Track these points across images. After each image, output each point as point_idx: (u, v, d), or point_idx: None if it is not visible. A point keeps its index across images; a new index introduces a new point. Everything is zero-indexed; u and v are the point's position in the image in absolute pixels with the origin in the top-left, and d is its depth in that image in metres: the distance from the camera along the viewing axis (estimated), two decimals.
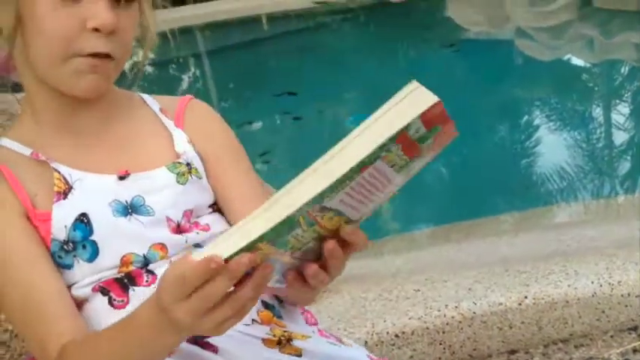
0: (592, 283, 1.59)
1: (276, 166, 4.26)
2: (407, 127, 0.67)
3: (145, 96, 1.13)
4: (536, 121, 4.75)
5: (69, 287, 0.95)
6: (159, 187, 1.00)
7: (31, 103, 1.02)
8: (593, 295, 1.58)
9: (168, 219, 0.97)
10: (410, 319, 1.58)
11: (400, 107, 0.68)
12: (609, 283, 1.59)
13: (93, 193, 0.98)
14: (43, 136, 1.01)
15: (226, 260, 0.68)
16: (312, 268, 0.78)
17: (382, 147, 0.67)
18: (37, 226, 0.96)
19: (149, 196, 0.99)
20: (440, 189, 3.63)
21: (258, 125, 5.41)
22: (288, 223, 0.67)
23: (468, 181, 3.58)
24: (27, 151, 1.00)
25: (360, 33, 9.72)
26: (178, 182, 1.01)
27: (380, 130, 0.67)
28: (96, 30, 0.94)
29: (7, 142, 1.02)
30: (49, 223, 0.95)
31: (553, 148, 4.07)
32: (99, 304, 0.94)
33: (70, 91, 0.98)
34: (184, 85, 7.85)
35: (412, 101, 0.68)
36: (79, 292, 0.95)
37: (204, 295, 0.71)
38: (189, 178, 1.02)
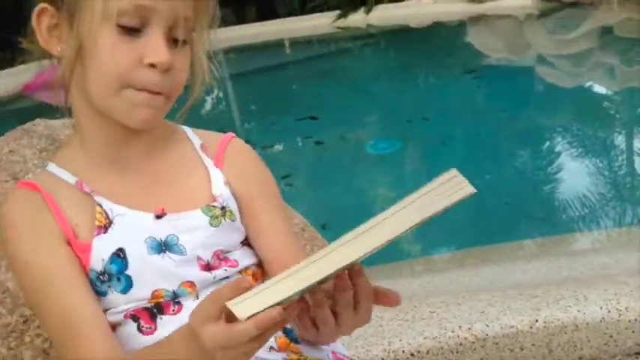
0: (601, 308, 1.65)
1: (297, 188, 4.34)
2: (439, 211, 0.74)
3: (188, 130, 1.16)
4: (556, 149, 4.79)
5: (103, 311, 1.00)
6: (192, 228, 1.03)
7: (81, 132, 1.06)
8: (601, 320, 1.64)
9: (199, 258, 1.02)
10: (425, 338, 1.65)
11: (436, 194, 0.73)
12: (617, 309, 1.65)
13: (131, 229, 1.02)
14: (89, 166, 1.06)
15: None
16: (321, 312, 0.86)
17: (411, 228, 0.73)
18: (77, 255, 1.01)
19: (183, 235, 1.03)
20: (458, 214, 3.68)
21: (279, 148, 5.50)
22: (315, 284, 0.75)
23: (485, 207, 3.63)
24: (72, 180, 1.05)
25: (381, 58, 9.83)
26: (211, 225, 1.04)
27: (412, 216, 0.73)
28: (152, 66, 0.97)
29: (53, 168, 1.07)
30: (89, 254, 1.00)
31: (572, 175, 4.11)
32: (129, 329, 1.00)
33: (123, 121, 1.01)
34: (208, 107, 7.98)
35: (449, 190, 0.74)
36: (112, 317, 1.00)
37: (230, 334, 0.78)
38: (223, 221, 1.06)
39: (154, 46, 0.97)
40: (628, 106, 5.51)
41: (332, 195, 3.96)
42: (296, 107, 6.32)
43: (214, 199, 1.07)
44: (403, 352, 1.63)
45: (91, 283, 1.01)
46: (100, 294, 1.00)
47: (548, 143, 4.97)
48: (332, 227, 2.93)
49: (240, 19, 14.42)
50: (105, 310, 1.00)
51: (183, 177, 1.09)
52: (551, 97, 6.06)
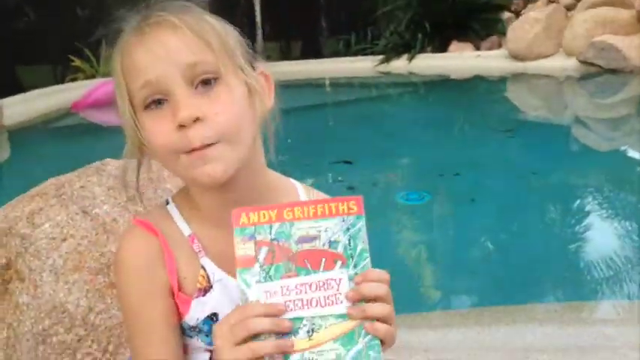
0: None
1: None
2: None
3: (300, 187, 1.20)
4: (583, 214, 4.82)
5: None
6: None
7: (191, 198, 1.13)
8: None
9: None
10: None
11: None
12: None
13: (227, 296, 1.09)
14: (201, 221, 1.12)
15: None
16: None
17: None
18: (177, 304, 1.10)
19: None
20: (478, 272, 3.80)
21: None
22: None
23: (506, 267, 3.74)
24: (187, 232, 1.12)
25: (419, 107, 9.91)
26: None
27: None
28: (183, 126, 1.00)
29: (173, 210, 1.14)
30: (187, 307, 1.09)
31: (596, 243, 4.15)
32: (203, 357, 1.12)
33: (194, 183, 1.07)
34: None
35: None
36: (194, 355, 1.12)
37: (243, 322, 0.90)
38: None
39: (175, 107, 1.01)
40: None
41: None
42: (332, 150, 6.44)
43: None
44: None
45: (182, 328, 1.11)
46: (186, 336, 1.12)
47: (576, 208, 4.99)
48: None
49: (285, 56, 14.75)
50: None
51: None
52: (584, 161, 6.11)
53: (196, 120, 1.00)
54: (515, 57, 10.65)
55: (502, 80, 10.63)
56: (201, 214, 1.12)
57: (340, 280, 0.95)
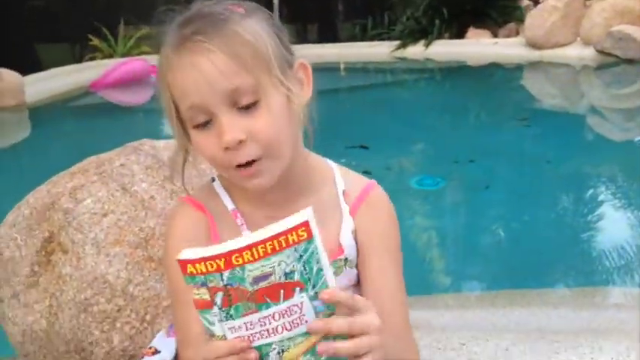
0: (612, 359, 1.86)
1: None
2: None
3: (336, 169, 1.25)
4: (596, 202, 4.88)
5: None
6: None
7: None
8: None
9: None
10: None
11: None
12: None
13: None
14: (245, 197, 1.19)
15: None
16: None
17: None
18: None
19: None
20: (494, 257, 3.87)
21: None
22: None
23: (520, 252, 3.81)
24: (230, 206, 1.20)
25: (435, 93, 9.95)
26: (335, 274, 1.08)
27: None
28: (227, 148, 1.08)
29: (218, 186, 1.23)
30: None
31: (608, 230, 4.22)
32: None
33: (243, 189, 1.15)
34: None
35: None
36: None
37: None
38: (344, 270, 1.18)
39: (220, 132, 1.07)
40: None
41: None
42: (348, 134, 6.47)
43: (340, 249, 1.18)
44: None
45: None
46: None
47: (589, 196, 5.05)
48: None
49: (302, 39, 14.76)
50: None
51: (320, 221, 1.09)
52: (598, 150, 6.15)
53: (240, 142, 1.07)
54: (533, 45, 10.64)
55: (519, 68, 10.63)
56: (243, 192, 1.19)
57: (302, 303, 0.95)
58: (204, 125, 1.09)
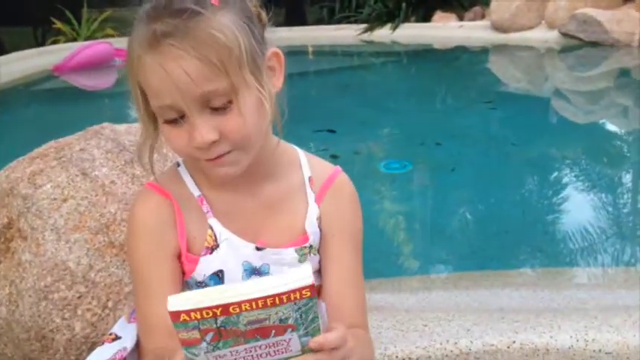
0: (570, 337, 1.89)
1: None
2: None
3: (302, 156, 1.26)
4: (561, 184, 4.96)
5: None
6: (284, 262, 1.18)
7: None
8: (569, 348, 1.87)
9: None
10: (416, 347, 1.88)
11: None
12: (585, 340, 1.88)
13: (233, 254, 1.16)
14: (210, 184, 1.19)
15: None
16: None
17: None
18: (184, 265, 1.18)
19: (273, 266, 1.18)
20: (458, 239, 3.91)
21: None
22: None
23: (485, 234, 3.85)
24: (196, 193, 1.19)
25: (402, 76, 9.97)
26: (299, 261, 1.18)
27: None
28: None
29: (184, 171, 1.22)
30: (194, 266, 1.17)
31: (572, 211, 4.27)
32: None
33: (209, 177, 1.16)
34: None
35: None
36: None
37: None
38: (309, 256, 1.20)
39: (192, 132, 1.07)
40: (637, 148, 5.64)
41: None
42: (315, 118, 6.45)
43: (305, 237, 1.21)
44: (397, 357, 1.87)
45: (187, 284, 1.18)
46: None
47: (553, 178, 5.11)
48: None
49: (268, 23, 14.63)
50: None
51: (287, 208, 1.21)
52: (562, 132, 6.22)
53: (214, 141, 1.08)
54: (498, 28, 10.71)
55: (484, 51, 10.70)
56: (210, 180, 1.19)
57: (290, 339, 0.97)
58: (175, 122, 1.08)
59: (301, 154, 1.28)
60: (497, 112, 6.82)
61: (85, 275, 1.67)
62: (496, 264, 3.21)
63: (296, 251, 1.20)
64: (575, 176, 5.10)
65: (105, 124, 1.90)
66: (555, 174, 5.20)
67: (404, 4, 11.88)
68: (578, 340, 1.89)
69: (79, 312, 1.70)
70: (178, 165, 1.24)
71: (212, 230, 1.18)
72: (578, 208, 4.35)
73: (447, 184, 4.73)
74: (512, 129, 6.18)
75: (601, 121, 6.84)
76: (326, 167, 1.27)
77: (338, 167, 1.28)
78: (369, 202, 4.47)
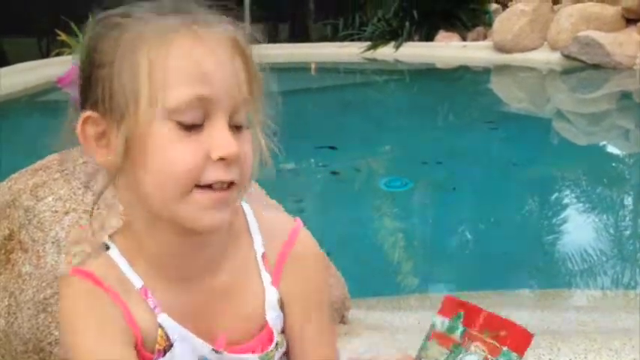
0: (569, 359, 1.90)
1: (308, 214, 4.49)
2: (433, 326, 0.95)
3: (251, 218, 1.04)
4: (561, 205, 4.95)
5: None
6: None
7: (137, 236, 0.95)
8: None
9: None
10: None
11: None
12: None
13: (187, 354, 0.98)
14: (151, 271, 0.97)
15: None
16: None
17: (421, 348, 0.95)
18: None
19: None
20: (458, 259, 3.91)
21: (296, 173, 5.66)
22: None
23: (485, 254, 3.85)
24: (138, 283, 0.96)
25: (404, 94, 10.02)
26: None
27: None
28: (221, 159, 0.87)
29: (117, 256, 0.97)
30: None
31: (572, 233, 4.28)
32: None
33: (192, 225, 0.90)
34: None
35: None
36: None
37: None
38: (275, 355, 1.03)
39: (220, 138, 0.88)
40: (638, 170, 5.64)
41: (340, 224, 4.10)
42: (317, 134, 6.48)
43: (269, 332, 1.02)
44: None
45: None
46: None
47: (554, 199, 5.11)
48: (336, 255, 3.15)
49: (272, 39, 14.73)
50: None
51: (242, 297, 1.02)
52: (563, 153, 6.24)
53: (234, 160, 0.89)
54: (501, 49, 10.76)
55: (486, 71, 10.76)
56: (154, 261, 0.96)
57: None
58: (190, 129, 0.86)
59: (249, 214, 1.05)
60: (499, 132, 6.84)
61: None
62: (495, 284, 3.21)
63: (260, 358, 1.02)
64: (575, 198, 5.10)
65: None
66: (556, 195, 5.21)
67: (407, 23, 11.95)
68: None
69: None
70: (107, 248, 0.98)
71: (163, 330, 0.97)
72: (578, 229, 4.34)
73: (448, 203, 4.73)
74: (513, 149, 6.19)
75: (602, 143, 6.85)
76: (280, 230, 1.05)
77: (296, 223, 1.06)
78: (369, 219, 4.47)
